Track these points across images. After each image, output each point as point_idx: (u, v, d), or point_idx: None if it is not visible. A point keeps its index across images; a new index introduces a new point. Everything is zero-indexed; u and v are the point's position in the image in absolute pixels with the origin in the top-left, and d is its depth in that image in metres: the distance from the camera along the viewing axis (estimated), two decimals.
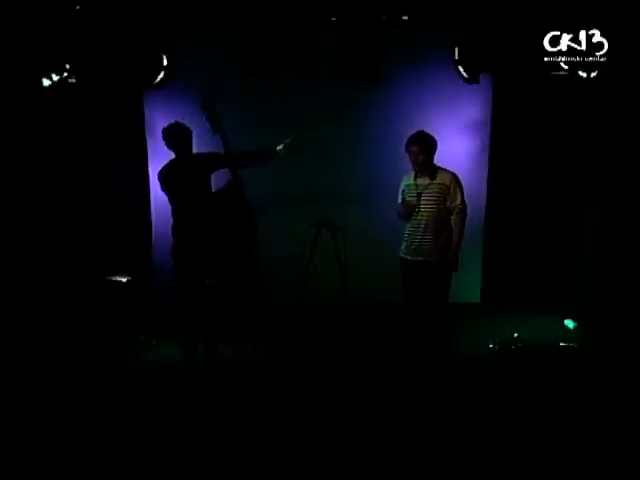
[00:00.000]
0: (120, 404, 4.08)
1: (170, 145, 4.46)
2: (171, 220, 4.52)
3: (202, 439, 3.62)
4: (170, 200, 4.49)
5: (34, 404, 4.08)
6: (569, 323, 5.50)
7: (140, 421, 3.85)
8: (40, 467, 3.37)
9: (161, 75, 5.27)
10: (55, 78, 5.01)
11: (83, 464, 3.38)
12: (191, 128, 4.48)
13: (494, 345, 5.02)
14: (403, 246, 4.58)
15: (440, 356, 4.52)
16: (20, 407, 4.04)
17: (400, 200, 4.57)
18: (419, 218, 4.40)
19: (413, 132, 4.51)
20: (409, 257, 4.51)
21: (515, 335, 5.09)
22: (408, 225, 4.51)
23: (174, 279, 4.56)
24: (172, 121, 4.49)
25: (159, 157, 5.52)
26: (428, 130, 5.76)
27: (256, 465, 3.37)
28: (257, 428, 3.74)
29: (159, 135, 5.73)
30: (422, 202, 4.38)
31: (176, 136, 4.44)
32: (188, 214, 4.44)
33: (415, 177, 4.46)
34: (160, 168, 4.52)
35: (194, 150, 4.57)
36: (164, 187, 4.47)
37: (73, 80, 5.15)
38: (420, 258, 4.44)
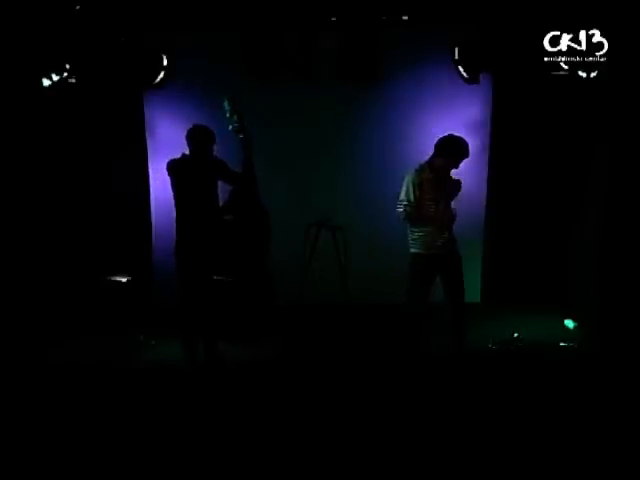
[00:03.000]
0: (120, 404, 4.08)
1: (189, 145, 4.45)
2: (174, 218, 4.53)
3: (202, 439, 3.62)
4: (173, 194, 4.48)
5: (34, 404, 4.08)
6: (569, 323, 5.50)
7: (140, 421, 3.85)
8: (40, 467, 3.37)
9: (161, 75, 5.27)
10: (55, 78, 5.01)
11: (83, 464, 3.37)
12: (214, 132, 4.45)
13: (494, 345, 5.02)
14: (422, 242, 4.43)
15: (458, 349, 4.64)
16: (20, 407, 4.03)
17: (411, 197, 4.34)
18: (444, 217, 4.40)
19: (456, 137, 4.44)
20: (432, 252, 4.43)
21: (515, 335, 5.09)
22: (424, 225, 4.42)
23: (174, 277, 4.56)
24: (195, 124, 4.46)
25: (159, 157, 5.53)
26: (428, 130, 5.81)
27: (256, 465, 3.36)
28: (257, 428, 3.74)
29: (159, 135, 5.80)
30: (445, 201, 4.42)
31: (195, 139, 4.41)
32: (189, 211, 4.44)
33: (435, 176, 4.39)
34: (171, 159, 4.47)
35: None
36: (170, 179, 4.46)
37: (73, 80, 5.15)
38: (440, 252, 4.43)
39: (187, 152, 4.43)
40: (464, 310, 4.66)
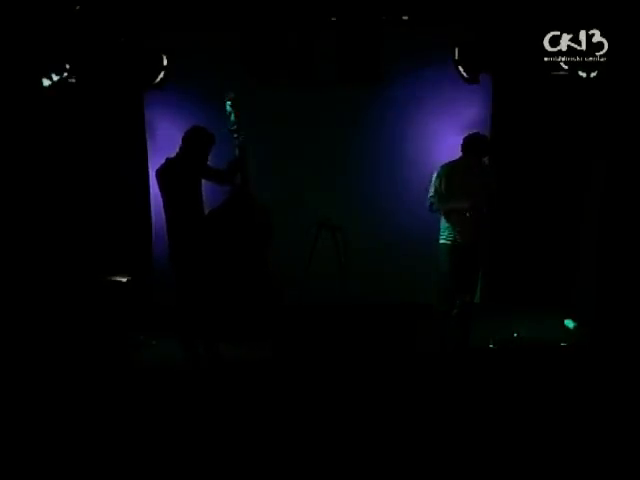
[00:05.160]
0: (120, 404, 4.08)
1: (184, 145, 4.49)
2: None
3: (202, 439, 3.62)
4: (162, 199, 4.51)
5: (34, 404, 4.08)
6: (569, 323, 5.50)
7: (140, 421, 3.85)
8: (40, 467, 3.37)
9: (161, 75, 5.26)
10: (55, 78, 5.00)
11: (83, 464, 3.38)
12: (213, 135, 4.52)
13: (494, 345, 5.02)
14: (447, 233, 4.58)
15: (460, 347, 4.69)
16: (20, 407, 4.03)
17: (437, 189, 4.54)
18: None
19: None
20: (456, 243, 4.56)
21: (515, 335, 5.09)
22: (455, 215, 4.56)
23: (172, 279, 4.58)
24: (194, 125, 4.52)
25: (159, 157, 5.52)
26: (428, 130, 5.82)
27: (257, 464, 3.37)
28: (257, 428, 3.74)
29: (159, 135, 5.80)
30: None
31: (189, 140, 4.46)
32: (176, 215, 4.45)
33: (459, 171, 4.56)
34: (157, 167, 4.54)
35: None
36: (158, 185, 4.51)
37: (73, 80, 5.15)
38: (463, 243, 4.55)
39: (172, 155, 4.47)
40: (471, 309, 4.67)
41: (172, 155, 4.48)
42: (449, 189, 4.52)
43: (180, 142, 4.47)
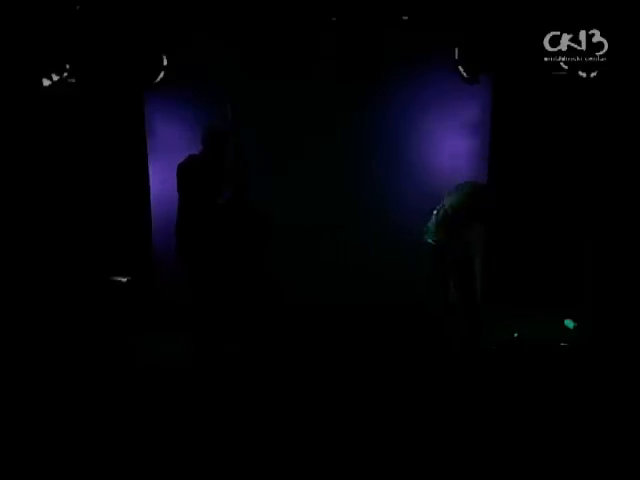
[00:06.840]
0: (120, 404, 4.08)
1: (202, 143, 4.59)
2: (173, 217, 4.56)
3: (203, 439, 3.62)
4: (179, 194, 4.54)
5: (33, 404, 4.08)
6: (569, 323, 5.51)
7: (140, 421, 3.85)
8: (40, 468, 3.37)
9: (161, 75, 5.27)
10: (55, 78, 5.01)
11: (83, 464, 3.38)
12: (226, 133, 4.61)
13: (494, 345, 5.02)
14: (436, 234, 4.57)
15: (470, 344, 4.65)
16: (19, 407, 4.03)
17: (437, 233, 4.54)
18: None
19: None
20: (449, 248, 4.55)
21: (515, 335, 5.09)
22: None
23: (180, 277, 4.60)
24: (210, 122, 4.66)
25: (159, 157, 5.54)
26: (427, 130, 5.82)
27: (258, 464, 3.37)
28: (258, 428, 3.74)
29: (159, 135, 5.80)
30: None
31: (207, 137, 4.58)
32: (193, 211, 4.47)
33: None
34: (180, 161, 4.61)
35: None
36: (177, 180, 4.57)
37: (73, 80, 5.15)
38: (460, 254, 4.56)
39: (194, 153, 4.51)
40: (472, 313, 4.64)
41: (194, 153, 4.56)
42: (441, 231, 4.53)
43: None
